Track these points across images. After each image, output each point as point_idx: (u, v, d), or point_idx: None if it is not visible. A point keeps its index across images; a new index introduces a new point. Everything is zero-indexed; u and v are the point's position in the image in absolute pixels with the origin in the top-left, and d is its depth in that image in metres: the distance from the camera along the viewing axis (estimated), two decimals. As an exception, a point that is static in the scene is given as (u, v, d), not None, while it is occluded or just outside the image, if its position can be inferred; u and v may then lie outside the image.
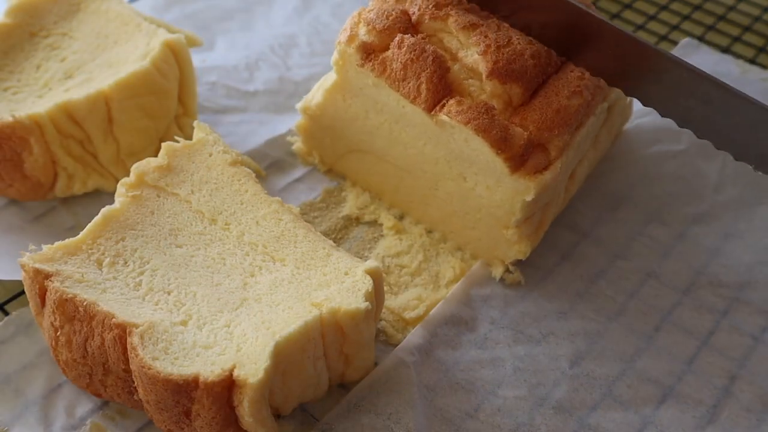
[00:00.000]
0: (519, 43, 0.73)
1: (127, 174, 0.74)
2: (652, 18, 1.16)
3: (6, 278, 0.74)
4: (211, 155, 0.75)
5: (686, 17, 1.17)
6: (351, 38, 0.76)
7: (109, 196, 0.83)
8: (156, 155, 0.76)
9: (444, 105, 0.71)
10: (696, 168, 0.90)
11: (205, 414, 0.60)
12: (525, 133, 0.70)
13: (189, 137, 0.80)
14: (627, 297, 0.78)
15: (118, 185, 0.73)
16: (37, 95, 0.82)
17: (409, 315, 0.76)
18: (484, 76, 0.71)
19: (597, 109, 0.77)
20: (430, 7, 0.75)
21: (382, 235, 0.83)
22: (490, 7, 0.76)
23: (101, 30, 0.88)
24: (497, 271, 0.79)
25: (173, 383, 0.59)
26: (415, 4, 0.76)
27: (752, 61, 1.09)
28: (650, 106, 0.71)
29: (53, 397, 0.68)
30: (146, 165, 0.74)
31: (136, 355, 0.60)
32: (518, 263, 0.79)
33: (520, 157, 0.70)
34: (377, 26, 0.75)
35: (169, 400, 0.60)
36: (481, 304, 0.77)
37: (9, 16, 0.87)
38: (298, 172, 0.89)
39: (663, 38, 1.12)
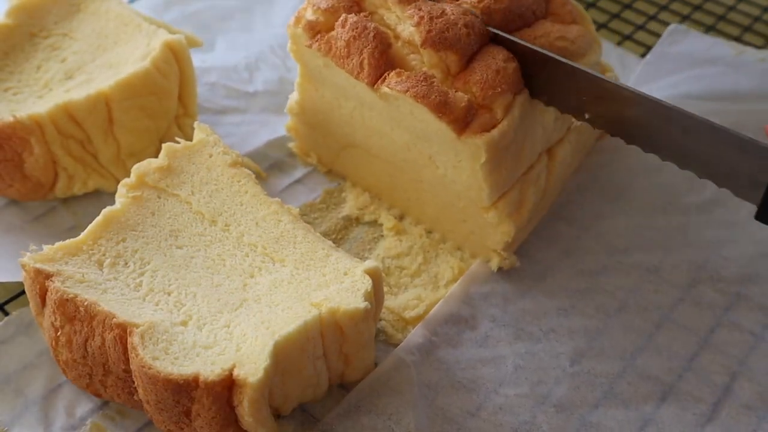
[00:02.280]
0: (452, 13, 0.74)
1: (128, 174, 0.74)
2: (652, 18, 1.16)
3: (6, 280, 0.75)
4: (211, 156, 0.76)
5: (686, 17, 1.17)
6: (298, 19, 0.79)
7: (109, 197, 0.83)
8: (156, 155, 0.76)
9: (385, 78, 0.73)
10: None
11: (205, 414, 0.60)
12: (466, 96, 0.71)
13: (189, 137, 0.80)
14: (627, 293, 0.78)
15: (119, 186, 0.73)
16: (37, 96, 0.82)
17: (409, 314, 0.76)
18: (419, 46, 0.73)
19: None
20: None
21: (382, 236, 0.83)
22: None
23: (101, 30, 0.88)
24: (494, 263, 0.79)
25: (173, 383, 0.59)
26: None
27: (738, 39, 1.07)
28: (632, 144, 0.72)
29: (53, 397, 0.68)
30: (147, 166, 0.74)
31: (137, 355, 0.60)
32: (517, 255, 0.79)
33: (464, 119, 0.71)
34: (322, 6, 0.77)
35: (169, 400, 0.60)
36: (481, 302, 0.77)
37: (9, 17, 0.88)
38: (299, 172, 0.89)
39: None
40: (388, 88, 0.72)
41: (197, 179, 0.74)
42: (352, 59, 0.74)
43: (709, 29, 1.14)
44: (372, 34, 0.73)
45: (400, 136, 0.78)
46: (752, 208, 0.85)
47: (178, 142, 0.76)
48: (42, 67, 0.85)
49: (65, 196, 0.82)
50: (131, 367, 0.62)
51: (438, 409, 0.69)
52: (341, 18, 0.75)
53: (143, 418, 0.67)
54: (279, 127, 0.93)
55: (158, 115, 0.83)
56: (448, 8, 0.75)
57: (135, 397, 0.64)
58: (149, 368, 0.60)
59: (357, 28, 0.74)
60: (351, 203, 0.86)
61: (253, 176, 0.75)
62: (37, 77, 0.84)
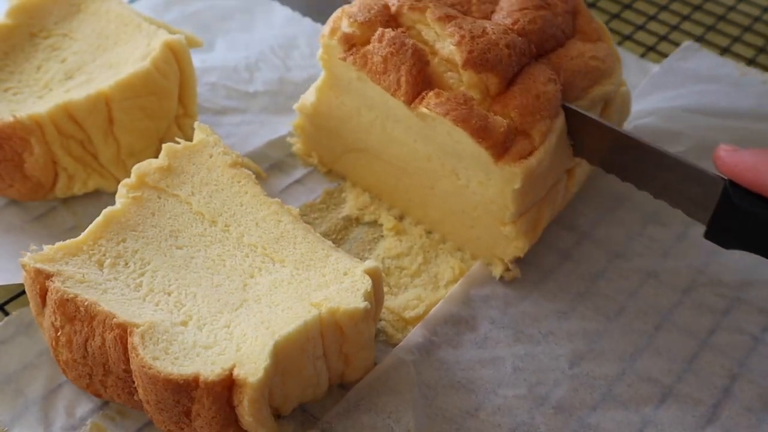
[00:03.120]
0: (494, 33, 0.73)
1: (128, 174, 0.74)
2: (652, 18, 1.16)
3: (6, 282, 0.74)
4: (211, 157, 0.75)
5: (686, 17, 1.17)
6: (333, 31, 0.77)
7: (109, 197, 0.83)
8: (156, 156, 0.76)
9: (423, 97, 0.72)
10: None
11: (205, 414, 0.60)
12: (505, 120, 0.71)
13: (189, 138, 0.80)
14: (627, 297, 0.78)
15: (120, 186, 0.73)
16: (37, 96, 0.82)
17: (409, 314, 0.76)
18: (459, 67, 0.72)
19: (580, 102, 0.77)
20: None
21: (382, 236, 0.83)
22: None
23: (101, 31, 0.88)
24: (497, 270, 0.79)
25: (173, 383, 0.59)
26: None
27: (752, 61, 1.09)
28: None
29: (53, 397, 0.68)
30: (147, 166, 0.74)
31: (137, 355, 0.60)
32: (518, 261, 0.79)
33: (503, 144, 0.71)
34: (359, 18, 0.76)
35: (170, 400, 0.60)
36: (480, 304, 0.77)
37: (9, 17, 0.87)
38: (299, 173, 0.89)
39: (662, 38, 1.12)
40: (427, 109, 0.71)
41: (197, 180, 0.74)
42: (389, 76, 0.73)
43: (707, 30, 1.14)
44: (410, 51, 0.72)
45: (424, 148, 0.77)
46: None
47: (178, 143, 0.76)
48: (42, 68, 0.85)
49: (65, 196, 0.82)
50: (131, 367, 0.62)
51: (437, 408, 0.69)
52: (378, 32, 0.74)
53: (143, 418, 0.67)
54: (279, 127, 0.93)
55: (158, 115, 0.83)
56: (489, 26, 0.73)
57: (135, 397, 0.64)
58: (149, 368, 0.60)
59: (395, 44, 0.72)
60: (351, 203, 0.86)
61: (253, 177, 0.75)
62: (37, 77, 0.84)
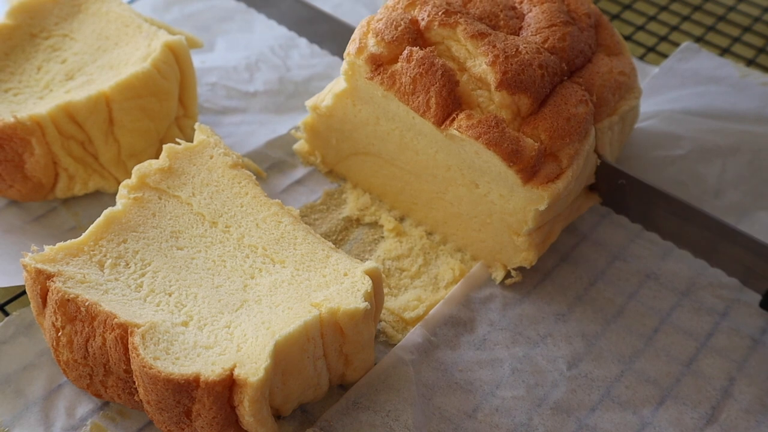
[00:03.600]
0: (527, 52, 0.72)
1: (128, 175, 0.74)
2: (652, 18, 1.17)
3: (6, 285, 0.74)
4: (212, 158, 0.76)
5: (686, 18, 1.17)
6: (360, 50, 0.76)
7: (109, 197, 0.83)
8: (156, 156, 0.76)
9: (454, 119, 0.71)
10: (696, 173, 0.90)
11: (205, 414, 0.61)
12: (536, 144, 0.70)
13: (189, 138, 0.80)
14: (626, 298, 0.79)
15: (120, 187, 0.73)
16: (37, 96, 0.82)
17: (409, 315, 0.76)
18: (492, 87, 0.71)
19: (604, 123, 0.78)
20: (440, 14, 0.75)
21: (382, 237, 0.84)
22: None
23: (102, 31, 0.88)
24: (498, 274, 0.79)
25: (174, 383, 0.59)
26: (425, 11, 0.76)
27: (752, 62, 1.09)
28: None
29: (54, 397, 0.69)
30: (148, 167, 0.74)
31: (138, 355, 0.61)
32: (519, 267, 0.79)
33: (532, 168, 0.70)
34: (386, 37, 0.74)
35: (170, 400, 0.60)
36: (480, 305, 0.77)
37: (10, 18, 0.87)
38: (299, 173, 0.90)
39: (662, 39, 1.13)
40: (459, 131, 0.70)
41: (198, 181, 0.74)
42: (418, 96, 0.72)
43: (707, 31, 1.14)
44: (440, 72, 0.71)
45: (445, 159, 0.77)
46: (750, 224, 0.86)
47: (178, 143, 0.76)
48: (42, 68, 0.85)
49: (66, 196, 0.82)
50: (132, 367, 0.62)
51: (435, 408, 0.69)
52: (406, 52, 0.73)
53: (144, 418, 0.68)
54: (279, 126, 0.93)
55: (159, 116, 0.83)
56: (521, 45, 0.73)
57: (135, 398, 0.64)
58: (150, 368, 0.60)
59: (424, 64, 0.72)
60: (351, 204, 0.86)
61: (254, 178, 0.75)
62: (37, 78, 0.84)
